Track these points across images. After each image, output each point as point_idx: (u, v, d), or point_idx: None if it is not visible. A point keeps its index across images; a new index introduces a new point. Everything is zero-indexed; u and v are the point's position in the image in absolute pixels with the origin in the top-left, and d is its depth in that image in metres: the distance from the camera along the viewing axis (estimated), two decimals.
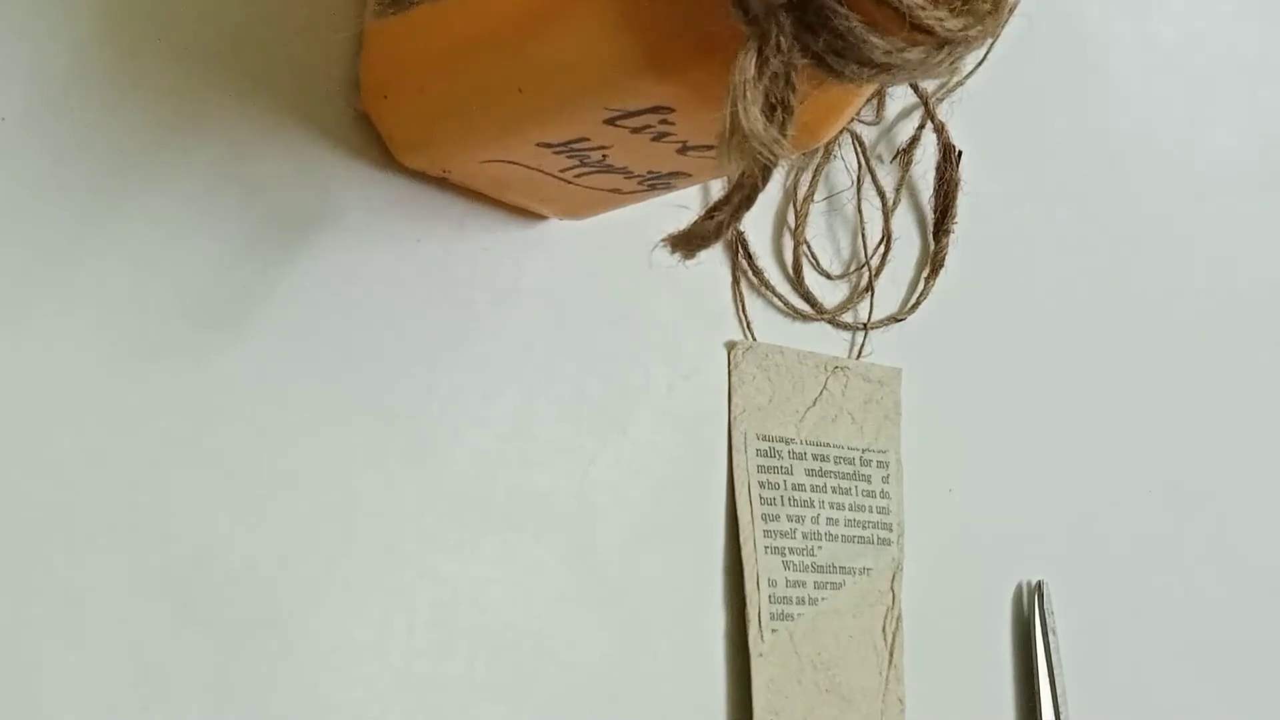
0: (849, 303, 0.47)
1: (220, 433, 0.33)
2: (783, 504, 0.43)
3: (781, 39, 0.23)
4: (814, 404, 0.44)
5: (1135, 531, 0.55)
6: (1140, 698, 0.53)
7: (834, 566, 0.43)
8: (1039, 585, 0.50)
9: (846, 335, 0.47)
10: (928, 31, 0.23)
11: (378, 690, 0.35)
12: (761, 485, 0.42)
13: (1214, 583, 0.57)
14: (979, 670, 0.49)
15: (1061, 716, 0.48)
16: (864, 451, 0.45)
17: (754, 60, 0.23)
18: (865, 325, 0.47)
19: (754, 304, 0.44)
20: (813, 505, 0.43)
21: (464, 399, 0.37)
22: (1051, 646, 0.49)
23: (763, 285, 0.45)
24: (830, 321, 0.47)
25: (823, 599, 0.43)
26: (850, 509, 0.44)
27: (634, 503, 0.40)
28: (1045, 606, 0.49)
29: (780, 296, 0.45)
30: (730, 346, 0.43)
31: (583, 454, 0.39)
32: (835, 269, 0.47)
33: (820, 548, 0.43)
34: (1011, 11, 0.25)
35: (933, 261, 0.49)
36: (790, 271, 0.46)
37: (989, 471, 0.50)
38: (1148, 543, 0.55)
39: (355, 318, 0.35)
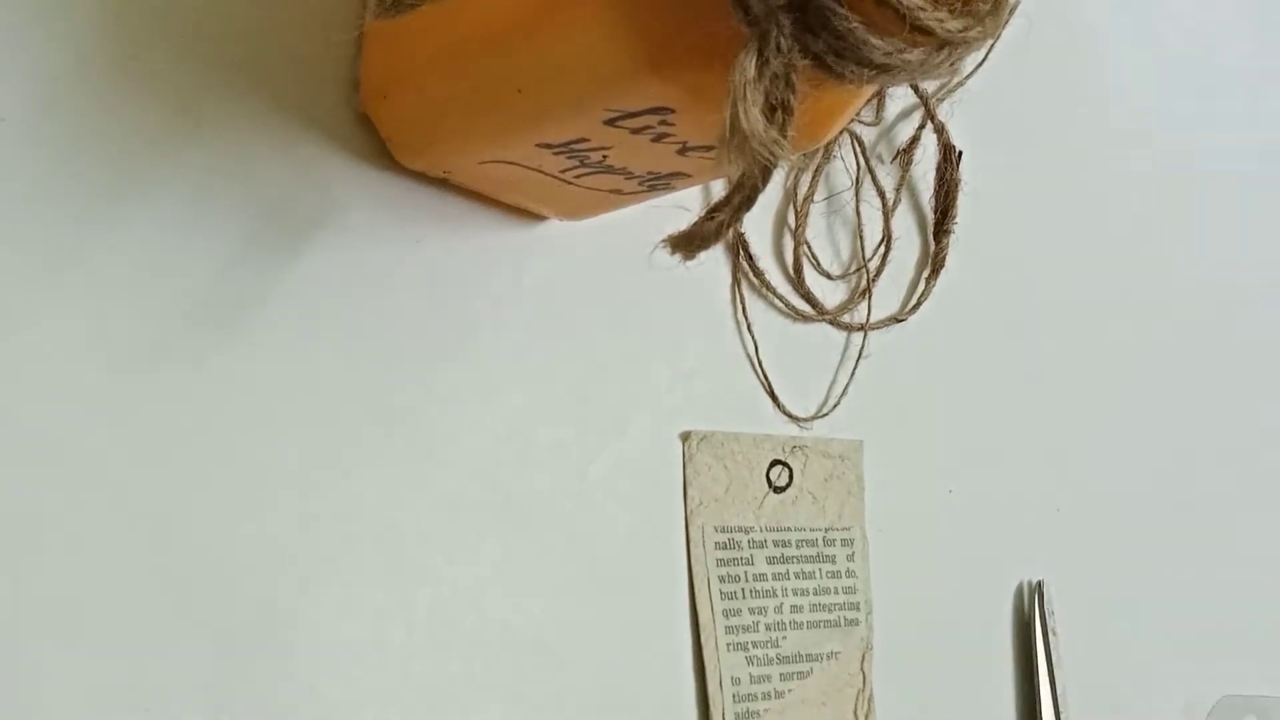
0: (850, 303, 0.47)
1: (219, 433, 0.33)
2: (744, 596, 0.41)
3: (782, 40, 0.23)
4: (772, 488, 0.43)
5: (1136, 532, 0.55)
6: (1140, 698, 0.53)
7: (800, 655, 0.42)
8: (1039, 585, 0.50)
9: (845, 336, 0.47)
10: (928, 33, 0.23)
11: (376, 690, 0.35)
12: (721, 580, 0.41)
13: (1214, 583, 0.57)
14: (978, 670, 0.49)
15: (1061, 717, 0.48)
16: (827, 531, 0.44)
17: (754, 61, 0.23)
18: (865, 326, 0.47)
19: (754, 305, 0.44)
20: (775, 594, 0.42)
21: (463, 399, 0.37)
22: (1051, 646, 0.49)
23: (763, 286, 0.45)
24: (831, 322, 0.47)
25: (789, 690, 0.41)
26: (815, 593, 0.43)
27: (633, 503, 0.40)
28: (1045, 606, 0.49)
29: (781, 297, 0.45)
30: (685, 438, 0.41)
31: (582, 455, 0.39)
32: (835, 269, 0.47)
33: (784, 638, 0.42)
34: (1012, 12, 0.25)
35: (933, 262, 0.49)
36: (791, 272, 0.46)
37: (989, 470, 0.50)
38: (1148, 543, 0.55)
39: (355, 318, 0.35)
